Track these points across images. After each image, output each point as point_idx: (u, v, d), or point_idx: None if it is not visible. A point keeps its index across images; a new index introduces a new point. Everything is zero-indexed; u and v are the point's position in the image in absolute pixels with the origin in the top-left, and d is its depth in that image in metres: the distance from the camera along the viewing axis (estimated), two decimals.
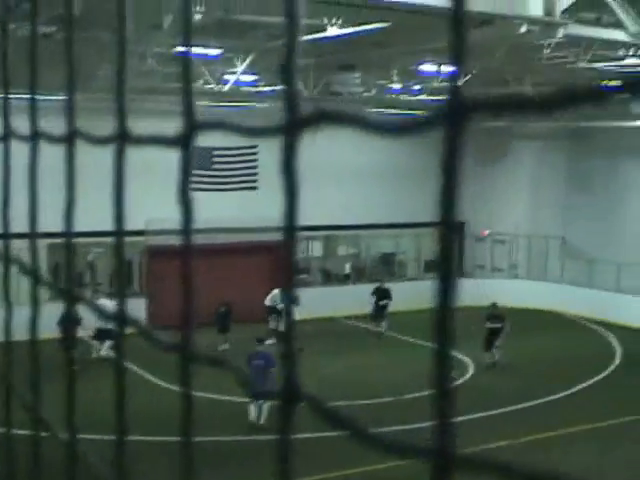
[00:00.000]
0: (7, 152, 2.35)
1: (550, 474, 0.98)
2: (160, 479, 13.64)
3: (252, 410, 22.48)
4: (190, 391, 1.51)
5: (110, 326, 28.60)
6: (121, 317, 1.77)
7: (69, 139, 1.89)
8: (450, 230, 1.10)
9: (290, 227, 1.30)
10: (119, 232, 1.76)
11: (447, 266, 1.10)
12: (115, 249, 1.81)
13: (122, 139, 1.72)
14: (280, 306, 32.45)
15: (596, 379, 28.52)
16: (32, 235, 2.08)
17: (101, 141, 1.79)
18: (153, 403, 22.35)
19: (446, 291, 1.10)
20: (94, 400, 10.49)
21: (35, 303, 2.05)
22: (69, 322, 24.15)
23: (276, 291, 32.92)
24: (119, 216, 1.74)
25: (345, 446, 17.19)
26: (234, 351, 27.41)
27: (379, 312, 35.85)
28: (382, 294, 36.08)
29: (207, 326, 28.36)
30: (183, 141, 1.55)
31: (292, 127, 1.30)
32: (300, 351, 1.32)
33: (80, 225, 2.01)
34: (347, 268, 42.11)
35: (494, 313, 30.59)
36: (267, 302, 33.05)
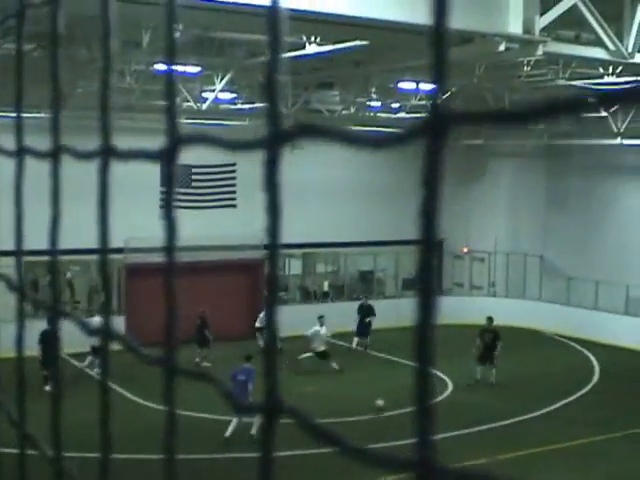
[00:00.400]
0: None
1: None
2: None
3: (233, 424, 22.63)
4: (174, 406, 1.50)
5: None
6: (107, 332, 1.75)
7: (54, 154, 1.88)
8: (430, 246, 1.10)
9: (273, 244, 1.29)
10: (103, 250, 1.75)
11: (427, 283, 1.10)
12: (100, 266, 1.80)
13: (106, 154, 1.71)
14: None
15: (575, 396, 28.58)
16: (18, 253, 2.07)
17: (86, 156, 1.78)
18: (133, 420, 22.24)
19: (426, 308, 1.10)
20: (80, 418, 10.45)
21: (21, 319, 2.04)
22: (51, 339, 24.09)
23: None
24: (104, 233, 1.73)
25: (329, 462, 17.17)
26: (215, 369, 27.30)
27: (364, 329, 36.39)
28: (367, 311, 36.40)
29: (187, 343, 28.37)
30: (167, 155, 1.54)
31: (274, 141, 1.29)
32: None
33: (59, 243, 2.00)
34: (326, 286, 42.11)
35: (489, 328, 30.74)
36: (257, 324, 33.18)
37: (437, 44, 1.07)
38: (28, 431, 2.00)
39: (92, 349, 28.03)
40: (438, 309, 1.11)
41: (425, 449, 1.09)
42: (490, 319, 31.07)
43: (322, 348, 31.56)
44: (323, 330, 31.71)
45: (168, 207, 1.56)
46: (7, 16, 2.13)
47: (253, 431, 22.14)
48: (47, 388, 25.28)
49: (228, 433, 22.56)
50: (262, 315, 33.25)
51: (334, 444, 1.18)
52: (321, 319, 31.88)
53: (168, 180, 1.58)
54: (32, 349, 22.32)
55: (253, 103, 33.40)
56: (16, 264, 2.18)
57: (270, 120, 1.28)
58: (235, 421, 22.51)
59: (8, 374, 2.44)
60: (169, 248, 1.54)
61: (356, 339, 36.21)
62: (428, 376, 1.10)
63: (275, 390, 1.28)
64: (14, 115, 2.10)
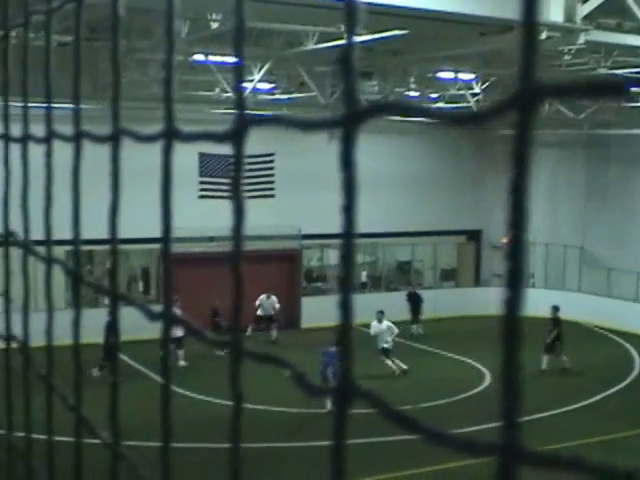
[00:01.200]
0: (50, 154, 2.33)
1: (620, 468, 0.97)
2: None
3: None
4: (240, 390, 1.48)
5: (180, 334, 28.73)
6: (168, 317, 1.74)
7: (114, 138, 1.86)
8: (521, 225, 1.09)
9: (349, 223, 1.27)
10: (165, 239, 1.73)
11: (515, 273, 1.09)
12: (162, 255, 1.78)
13: (170, 136, 1.69)
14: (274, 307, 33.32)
15: (614, 389, 28.36)
16: (75, 242, 2.05)
17: (148, 139, 1.75)
18: (183, 412, 22.29)
19: (513, 300, 1.10)
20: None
21: (78, 306, 2.02)
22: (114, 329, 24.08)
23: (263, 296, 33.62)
24: (167, 221, 1.71)
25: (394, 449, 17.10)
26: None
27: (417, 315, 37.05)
28: (416, 298, 36.94)
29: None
30: (235, 137, 1.51)
31: (350, 120, 1.26)
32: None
33: (118, 230, 1.99)
34: (364, 276, 42.06)
35: (552, 317, 30.80)
36: (259, 312, 33.28)
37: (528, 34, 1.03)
38: (83, 415, 1.99)
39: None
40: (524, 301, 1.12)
41: (511, 432, 1.09)
42: (555, 308, 31.01)
43: (383, 345, 30.47)
44: (383, 326, 30.54)
45: (235, 191, 1.53)
46: (65, 1, 2.11)
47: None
48: (98, 374, 25.40)
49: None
50: (274, 305, 33.72)
51: (412, 428, 1.17)
52: (380, 315, 30.59)
53: (236, 163, 1.54)
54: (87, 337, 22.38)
55: (291, 93, 33.41)
56: (72, 252, 2.15)
57: (346, 99, 1.26)
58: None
59: (60, 361, 2.43)
60: (236, 235, 1.52)
61: (415, 326, 36.72)
62: (516, 357, 1.09)
63: (349, 373, 1.28)
64: (69, 105, 2.08)
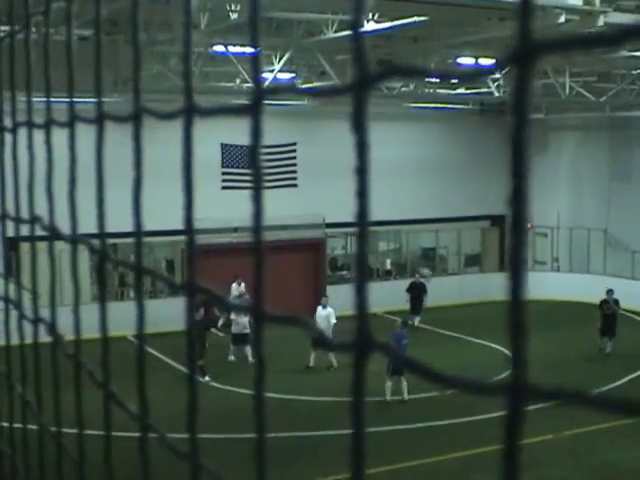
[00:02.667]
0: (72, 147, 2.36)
1: (617, 398, 1.01)
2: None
3: (388, 387, 24.02)
4: (263, 354, 1.52)
5: (247, 331, 28.26)
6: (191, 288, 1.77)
7: (136, 117, 1.88)
8: (522, 173, 1.14)
9: (362, 182, 1.29)
10: (189, 230, 1.75)
11: (518, 258, 1.13)
12: (187, 246, 1.80)
13: (190, 112, 1.70)
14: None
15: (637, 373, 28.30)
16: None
17: (169, 116, 1.77)
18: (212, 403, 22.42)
19: (516, 286, 1.13)
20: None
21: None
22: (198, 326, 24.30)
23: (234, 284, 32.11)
24: (189, 212, 1.73)
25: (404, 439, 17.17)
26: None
27: (419, 307, 36.10)
28: (421, 289, 36.16)
29: None
30: (252, 108, 1.53)
31: (362, 84, 1.29)
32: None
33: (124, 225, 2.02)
34: (388, 264, 42.05)
35: (608, 299, 30.97)
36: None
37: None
38: (149, 420, 2.01)
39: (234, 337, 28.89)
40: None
41: (519, 372, 1.14)
42: (610, 291, 31.10)
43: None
44: (324, 313, 28.95)
45: (255, 168, 1.55)
46: None
47: (405, 397, 24.21)
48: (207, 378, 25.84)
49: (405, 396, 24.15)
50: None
51: (428, 375, 1.21)
52: (325, 300, 29.57)
53: (254, 136, 1.55)
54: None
55: (312, 82, 33.39)
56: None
57: (357, 64, 1.28)
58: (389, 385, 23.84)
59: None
60: (257, 223, 1.55)
61: (418, 318, 35.68)
62: (522, 286, 1.10)
63: (366, 327, 1.31)
64: (92, 98, 2.12)
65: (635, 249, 39.79)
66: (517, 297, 1.10)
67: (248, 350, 27.95)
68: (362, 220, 1.30)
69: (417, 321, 35.41)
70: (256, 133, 1.51)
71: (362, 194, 1.30)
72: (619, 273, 39.84)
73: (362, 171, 1.30)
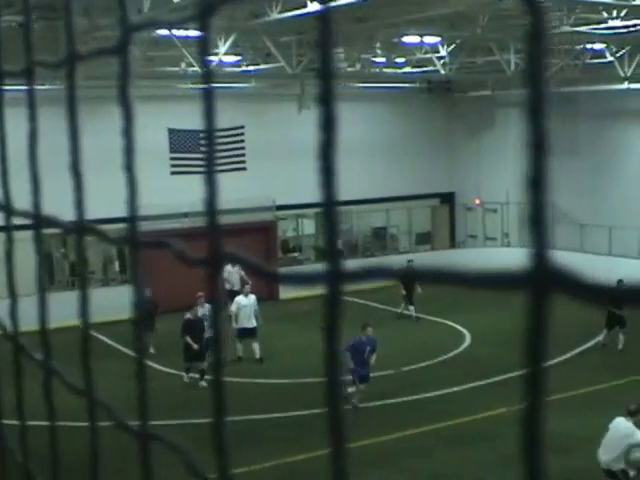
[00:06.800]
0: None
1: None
2: None
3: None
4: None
5: (253, 324, 27.46)
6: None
7: (68, 62, 1.86)
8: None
9: (327, 163, 1.28)
10: (132, 218, 1.74)
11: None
12: (129, 233, 1.79)
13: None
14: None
15: (588, 345, 28.70)
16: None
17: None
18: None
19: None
20: None
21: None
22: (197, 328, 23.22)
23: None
24: (132, 197, 1.72)
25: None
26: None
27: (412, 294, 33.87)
28: None
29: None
30: (201, 18, 1.47)
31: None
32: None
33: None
34: (339, 244, 42.01)
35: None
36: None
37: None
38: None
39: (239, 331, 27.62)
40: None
41: (541, 261, 1.12)
42: (620, 282, 30.72)
43: (251, 325, 27.79)
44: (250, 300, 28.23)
45: (209, 151, 1.53)
46: None
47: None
48: (203, 384, 24.80)
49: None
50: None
51: (438, 279, 1.21)
52: (247, 288, 28.41)
53: (203, 51, 1.48)
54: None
55: (258, 64, 33.26)
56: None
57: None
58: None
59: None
60: (211, 211, 1.54)
61: (412, 307, 33.83)
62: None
63: (339, 262, 1.29)
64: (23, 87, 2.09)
65: (583, 222, 40.23)
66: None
67: (256, 346, 27.59)
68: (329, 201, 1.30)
69: (413, 310, 33.83)
70: (205, 49, 1.48)
71: (327, 170, 1.29)
72: (568, 246, 40.24)
73: (328, 147, 1.30)
